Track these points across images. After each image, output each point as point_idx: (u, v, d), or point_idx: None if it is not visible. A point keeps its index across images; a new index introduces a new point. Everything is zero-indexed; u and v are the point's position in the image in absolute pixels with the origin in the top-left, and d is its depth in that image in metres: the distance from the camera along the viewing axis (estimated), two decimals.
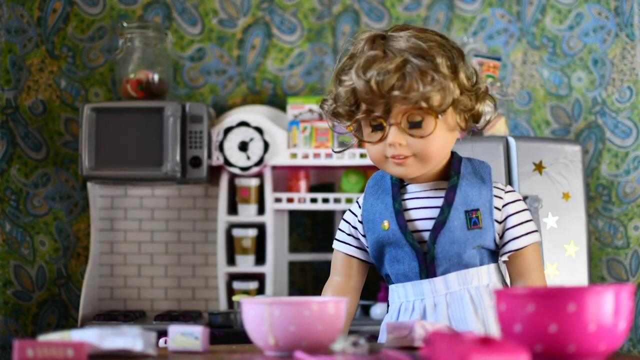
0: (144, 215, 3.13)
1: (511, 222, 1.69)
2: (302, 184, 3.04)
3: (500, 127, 2.85)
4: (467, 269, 1.67)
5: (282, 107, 3.17)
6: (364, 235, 1.75)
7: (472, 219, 1.67)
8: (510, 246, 1.70)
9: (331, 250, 1.82)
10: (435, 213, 1.67)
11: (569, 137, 3.18)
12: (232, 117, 2.99)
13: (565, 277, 2.65)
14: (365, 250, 1.76)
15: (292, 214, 3.19)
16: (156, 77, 3.00)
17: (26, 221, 3.15)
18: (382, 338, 1.71)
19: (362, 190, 2.90)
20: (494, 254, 1.72)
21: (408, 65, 1.60)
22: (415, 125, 1.63)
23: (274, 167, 3.03)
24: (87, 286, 2.98)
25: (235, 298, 2.81)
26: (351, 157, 2.96)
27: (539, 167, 2.69)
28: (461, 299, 1.67)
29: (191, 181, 2.97)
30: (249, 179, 3.01)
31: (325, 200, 3.00)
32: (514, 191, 1.73)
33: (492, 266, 1.71)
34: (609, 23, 3.18)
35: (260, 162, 2.96)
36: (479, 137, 2.72)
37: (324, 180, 3.15)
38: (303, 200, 3.01)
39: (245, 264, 3.01)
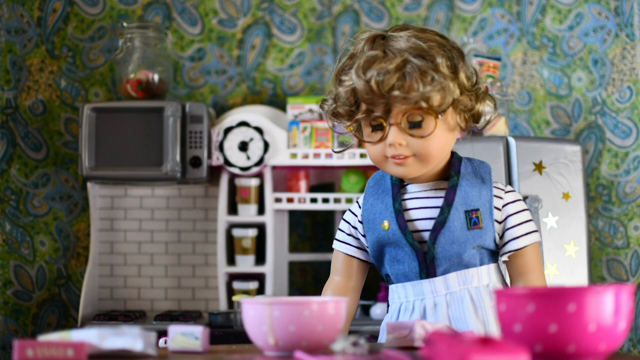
0: (144, 215, 3.13)
1: (511, 222, 1.70)
2: (302, 184, 3.04)
3: (500, 127, 2.85)
4: (467, 269, 1.67)
5: (282, 107, 3.17)
6: (364, 235, 1.75)
7: (472, 219, 1.67)
8: (510, 246, 1.70)
9: (331, 250, 1.82)
10: (435, 213, 1.67)
11: (569, 137, 3.18)
12: (232, 117, 2.99)
13: (565, 277, 2.65)
14: (365, 250, 1.77)
15: (292, 214, 3.19)
16: (156, 77, 3.00)
17: (26, 221, 3.15)
18: (382, 338, 1.71)
19: (362, 190, 2.90)
20: (494, 254, 1.72)
21: (408, 65, 1.60)
22: (415, 125, 1.63)
23: (274, 167, 3.03)
24: (87, 286, 2.98)
25: (235, 298, 2.81)
26: (351, 157, 2.96)
27: (539, 167, 2.69)
28: (461, 299, 1.67)
29: (191, 181, 2.97)
30: (249, 179, 3.01)
31: (325, 200, 3.00)
32: (514, 191, 1.73)
33: (492, 266, 1.71)
34: (609, 23, 3.18)
35: (260, 162, 2.96)
36: (479, 137, 2.72)
37: (324, 180, 3.15)
38: (303, 200, 3.01)
39: (245, 264, 3.01)
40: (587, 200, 2.74)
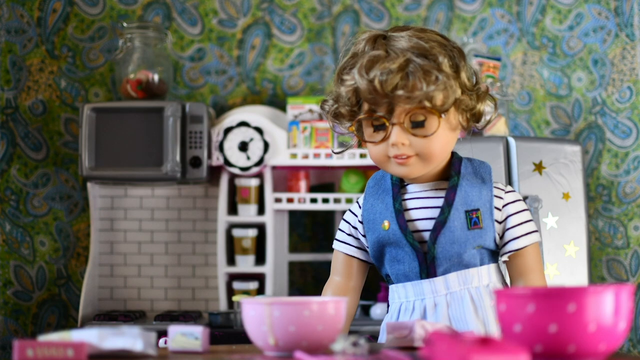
0: (144, 216, 3.13)
1: (511, 222, 1.70)
2: (302, 184, 3.04)
3: (500, 127, 2.85)
4: (468, 269, 1.67)
5: (282, 107, 3.17)
6: (364, 236, 1.75)
7: (473, 219, 1.67)
8: (510, 246, 1.70)
9: (331, 250, 1.82)
10: (435, 213, 1.67)
11: (569, 137, 3.18)
12: (232, 117, 2.99)
13: (565, 277, 2.65)
14: (366, 250, 1.77)
15: (292, 214, 3.19)
16: (156, 77, 3.00)
17: (26, 221, 3.15)
18: (382, 338, 1.71)
19: (362, 191, 2.90)
20: (494, 254, 1.72)
21: (411, 64, 1.60)
22: (418, 124, 1.63)
23: (274, 167, 3.03)
24: (87, 286, 2.98)
25: (235, 298, 2.82)
26: (351, 158, 2.96)
27: (539, 167, 2.69)
28: (461, 299, 1.67)
29: (191, 181, 2.97)
30: (249, 179, 3.01)
31: (325, 201, 3.00)
32: (514, 191, 1.73)
33: (492, 266, 1.71)
34: (609, 23, 3.18)
35: (260, 162, 2.96)
36: (479, 137, 2.72)
37: (324, 180, 3.15)
38: (303, 200, 3.01)
39: (245, 264, 3.01)
40: (587, 201, 2.74)
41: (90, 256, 3.02)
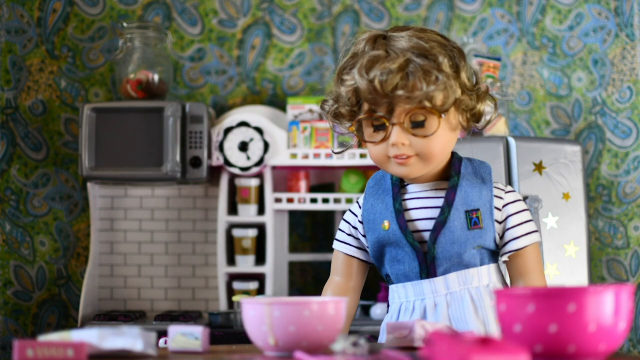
0: (144, 216, 3.13)
1: (511, 222, 1.70)
2: (302, 184, 3.04)
3: (500, 127, 2.85)
4: (468, 269, 1.67)
5: (282, 107, 3.17)
6: (364, 236, 1.75)
7: (473, 219, 1.67)
8: (510, 246, 1.70)
9: (331, 250, 1.82)
10: (435, 213, 1.67)
11: (568, 137, 3.18)
12: (232, 117, 2.99)
13: (565, 278, 2.65)
14: (366, 251, 1.77)
15: (292, 214, 3.19)
16: (156, 77, 3.00)
17: (26, 221, 3.15)
18: (382, 338, 1.71)
19: (362, 191, 2.90)
20: (494, 254, 1.72)
21: (411, 64, 1.60)
22: (418, 124, 1.63)
23: (274, 167, 3.03)
24: (87, 286, 2.98)
25: (235, 298, 2.81)
26: (351, 158, 2.96)
27: (539, 167, 2.69)
28: (461, 299, 1.67)
29: (191, 181, 2.97)
30: (249, 179, 3.01)
31: (325, 201, 3.00)
32: (514, 191, 1.73)
33: (492, 266, 1.71)
34: (609, 23, 3.18)
35: (260, 162, 2.96)
36: (479, 137, 2.72)
37: (324, 180, 3.15)
38: (303, 200, 3.01)
39: (245, 264, 3.01)
40: (587, 201, 2.74)
41: (90, 256, 3.02)
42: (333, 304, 1.35)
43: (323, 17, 3.26)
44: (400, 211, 1.68)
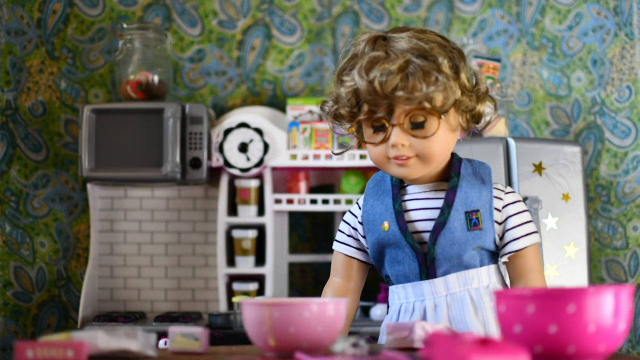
0: (144, 217, 3.13)
1: (511, 223, 1.70)
2: (302, 185, 3.04)
3: (500, 128, 2.85)
4: (467, 270, 1.68)
5: (282, 108, 3.17)
6: (364, 237, 1.75)
7: (472, 220, 1.67)
8: (510, 247, 1.70)
9: (331, 251, 1.82)
10: (435, 214, 1.67)
11: (568, 138, 3.18)
12: (232, 119, 2.99)
13: (565, 278, 2.65)
14: (365, 252, 1.77)
15: (292, 215, 3.19)
16: (156, 78, 3.00)
17: (26, 222, 3.15)
18: (382, 339, 1.71)
19: (362, 192, 2.90)
20: (494, 255, 1.72)
21: (411, 65, 1.60)
22: (417, 125, 1.63)
23: (274, 168, 3.03)
24: (87, 287, 2.98)
25: (235, 299, 2.82)
26: (351, 159, 2.96)
27: (538, 168, 2.69)
28: (461, 300, 1.67)
29: (191, 182, 2.97)
30: (248, 180, 3.01)
31: (325, 202, 3.00)
32: (513, 192, 1.73)
33: (492, 267, 1.71)
34: (608, 22, 3.18)
35: (260, 163, 2.96)
36: (479, 138, 2.72)
37: (324, 181, 3.15)
38: (303, 201, 3.01)
39: (245, 265, 3.01)
40: (586, 201, 2.74)
41: (90, 257, 3.02)
42: (333, 305, 1.35)
43: (323, 18, 3.26)
44: (400, 212, 1.68)
